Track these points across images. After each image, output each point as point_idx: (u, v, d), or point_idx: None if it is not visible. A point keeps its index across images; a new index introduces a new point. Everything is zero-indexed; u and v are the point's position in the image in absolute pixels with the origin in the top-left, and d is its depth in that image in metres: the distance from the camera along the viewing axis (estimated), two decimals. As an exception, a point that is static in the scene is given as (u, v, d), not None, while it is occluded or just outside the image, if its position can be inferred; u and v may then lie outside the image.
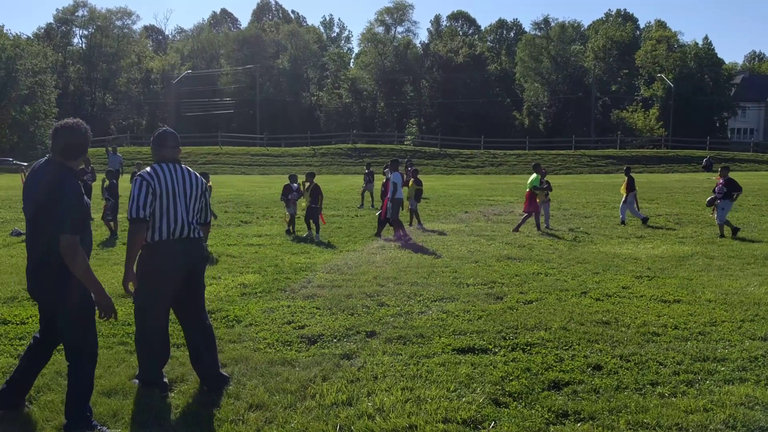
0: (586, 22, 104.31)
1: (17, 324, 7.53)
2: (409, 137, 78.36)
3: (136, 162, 20.60)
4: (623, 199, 18.47)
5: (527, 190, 17.15)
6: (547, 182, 17.58)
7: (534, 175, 17.22)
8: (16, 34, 74.13)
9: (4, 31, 63.54)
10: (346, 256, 12.64)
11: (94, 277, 4.60)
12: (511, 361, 6.35)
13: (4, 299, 8.78)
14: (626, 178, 18.66)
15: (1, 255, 12.54)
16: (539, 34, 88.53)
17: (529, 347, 6.78)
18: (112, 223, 15.76)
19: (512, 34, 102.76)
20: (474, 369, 6.10)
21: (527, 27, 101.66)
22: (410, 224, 17.45)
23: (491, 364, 6.24)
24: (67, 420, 4.73)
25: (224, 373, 5.73)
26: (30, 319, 7.70)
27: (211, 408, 5.18)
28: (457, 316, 8.01)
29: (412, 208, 17.81)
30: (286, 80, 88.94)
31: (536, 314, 8.05)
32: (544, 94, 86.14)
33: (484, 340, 6.97)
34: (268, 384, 5.67)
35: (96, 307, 4.69)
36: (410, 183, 18.22)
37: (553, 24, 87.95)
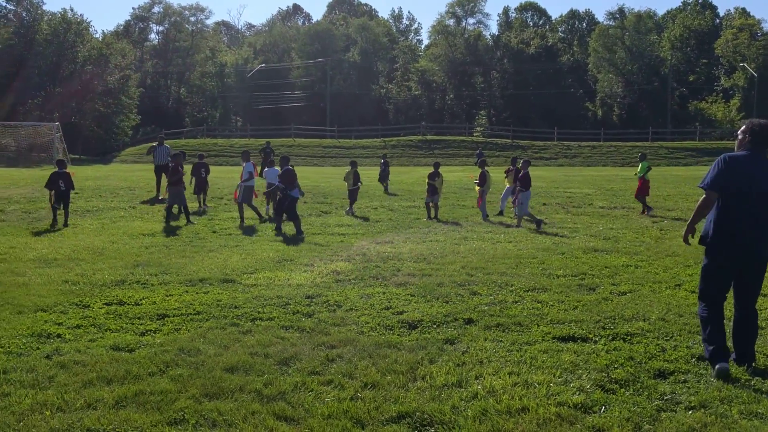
0: (660, 12, 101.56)
1: (132, 305, 7.98)
2: (478, 129, 77.86)
3: (198, 153, 21.82)
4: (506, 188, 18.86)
5: (638, 177, 19.26)
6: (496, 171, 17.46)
7: (641, 164, 19.34)
8: (104, 31, 77.59)
9: (91, 32, 66.81)
10: (430, 246, 12.79)
11: None
12: (613, 350, 6.39)
13: (116, 282, 9.29)
14: (513, 168, 18.43)
15: (103, 242, 13.17)
16: (613, 24, 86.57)
17: (629, 337, 6.80)
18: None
19: (584, 24, 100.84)
20: (577, 356, 6.17)
21: (600, 17, 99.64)
22: (429, 217, 17.49)
23: (594, 353, 6.30)
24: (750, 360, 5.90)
25: None
26: (143, 300, 8.14)
27: (327, 386, 5.42)
28: (552, 305, 8.07)
29: (433, 202, 17.83)
30: (356, 73, 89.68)
31: (632, 305, 8.03)
32: (618, 84, 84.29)
33: (583, 329, 7.03)
34: (379, 365, 5.88)
35: None
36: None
37: (628, 14, 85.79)
